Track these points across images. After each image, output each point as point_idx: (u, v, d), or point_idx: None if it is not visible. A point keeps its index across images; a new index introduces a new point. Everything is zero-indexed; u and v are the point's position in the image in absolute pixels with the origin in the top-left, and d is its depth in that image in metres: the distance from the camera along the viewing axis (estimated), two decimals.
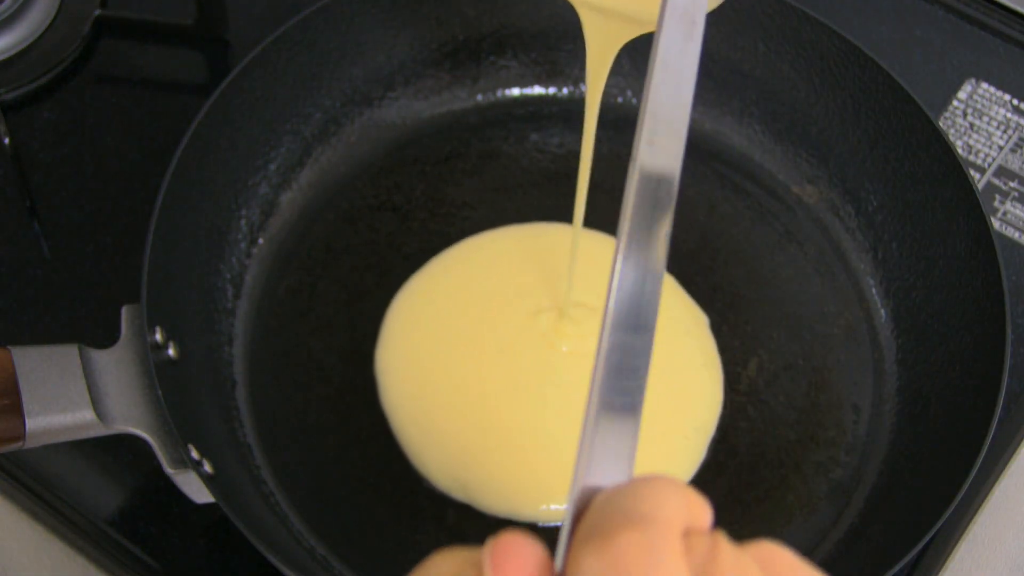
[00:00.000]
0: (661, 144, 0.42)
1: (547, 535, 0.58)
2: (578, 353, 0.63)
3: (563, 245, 0.66)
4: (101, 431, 0.51)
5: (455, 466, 0.60)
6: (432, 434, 0.60)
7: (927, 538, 0.53)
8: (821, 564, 0.58)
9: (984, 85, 0.73)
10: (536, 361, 0.63)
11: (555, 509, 0.59)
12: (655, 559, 0.31)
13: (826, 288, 0.66)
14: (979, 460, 0.54)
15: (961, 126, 0.72)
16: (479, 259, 0.66)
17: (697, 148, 0.69)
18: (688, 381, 0.63)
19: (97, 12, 0.72)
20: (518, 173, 0.69)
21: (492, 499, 0.59)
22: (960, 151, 0.70)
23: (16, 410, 0.49)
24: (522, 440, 0.61)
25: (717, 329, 0.64)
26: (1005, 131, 0.72)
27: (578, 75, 0.71)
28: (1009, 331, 0.57)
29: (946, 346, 0.61)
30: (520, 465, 0.60)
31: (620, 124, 0.69)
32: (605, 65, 0.56)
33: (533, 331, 0.63)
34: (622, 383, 0.38)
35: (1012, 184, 0.70)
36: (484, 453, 0.60)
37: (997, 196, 0.70)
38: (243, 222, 0.64)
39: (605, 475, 0.35)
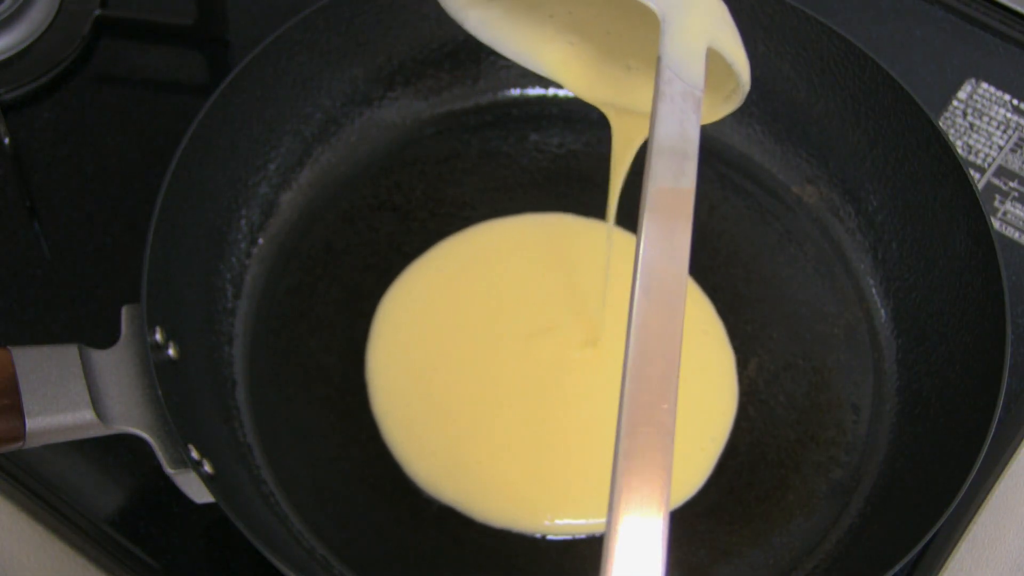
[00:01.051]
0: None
1: (542, 548, 0.58)
2: (589, 354, 0.63)
3: (561, 235, 0.66)
4: (101, 431, 0.51)
5: (446, 477, 0.59)
6: (423, 442, 0.60)
7: (927, 538, 0.53)
8: (821, 564, 0.58)
9: (984, 85, 0.73)
10: (542, 361, 0.62)
11: (559, 524, 0.59)
12: None
13: (826, 288, 0.66)
14: (979, 460, 0.54)
15: (961, 126, 0.72)
16: (474, 252, 0.66)
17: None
18: (708, 390, 0.63)
19: (97, 12, 0.72)
20: (518, 173, 0.69)
21: (488, 513, 0.59)
22: (960, 151, 0.69)
23: (16, 410, 0.49)
24: (521, 450, 0.60)
25: None
26: (1005, 131, 0.72)
27: None
28: (1009, 331, 0.57)
29: (946, 346, 0.61)
30: (517, 477, 0.59)
31: None
32: (630, 151, 0.57)
33: (536, 330, 0.63)
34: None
35: (1012, 184, 0.70)
36: (477, 464, 0.60)
37: (997, 196, 0.70)
38: (243, 222, 0.64)
39: None
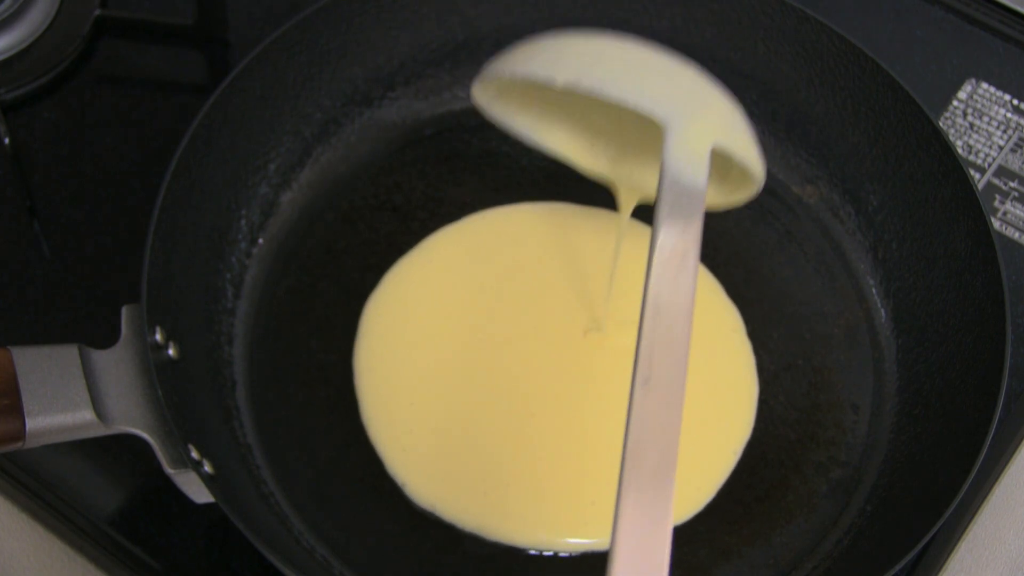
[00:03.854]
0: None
1: (544, 561, 0.58)
2: (593, 353, 0.62)
3: (556, 224, 0.66)
4: (101, 431, 0.51)
5: (442, 493, 0.58)
6: (416, 450, 0.59)
7: (927, 538, 0.53)
8: (821, 564, 0.58)
9: (984, 85, 0.73)
10: (541, 362, 0.62)
11: (558, 542, 0.58)
12: None
13: (826, 288, 0.66)
14: (979, 460, 0.54)
15: (961, 126, 0.72)
16: (462, 246, 0.66)
17: None
18: (733, 401, 0.62)
19: (97, 12, 0.72)
20: (518, 173, 0.68)
21: (488, 531, 0.58)
22: (960, 151, 0.70)
23: (16, 410, 0.49)
24: (522, 462, 0.59)
25: None
26: (1005, 131, 0.72)
27: None
28: (1009, 331, 0.57)
29: (946, 346, 0.61)
30: (515, 493, 0.59)
31: None
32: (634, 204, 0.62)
33: (532, 327, 0.63)
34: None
35: (1012, 184, 0.70)
36: (473, 478, 0.59)
37: (997, 196, 0.70)
38: (243, 222, 0.64)
39: None
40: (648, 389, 0.43)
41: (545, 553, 0.58)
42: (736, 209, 0.68)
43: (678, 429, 0.43)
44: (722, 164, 0.55)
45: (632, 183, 0.60)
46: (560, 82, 0.51)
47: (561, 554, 0.58)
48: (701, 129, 0.50)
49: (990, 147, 0.72)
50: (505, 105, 0.58)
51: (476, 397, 0.61)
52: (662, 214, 0.48)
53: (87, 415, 0.51)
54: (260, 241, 0.65)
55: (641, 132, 0.58)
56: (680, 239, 0.47)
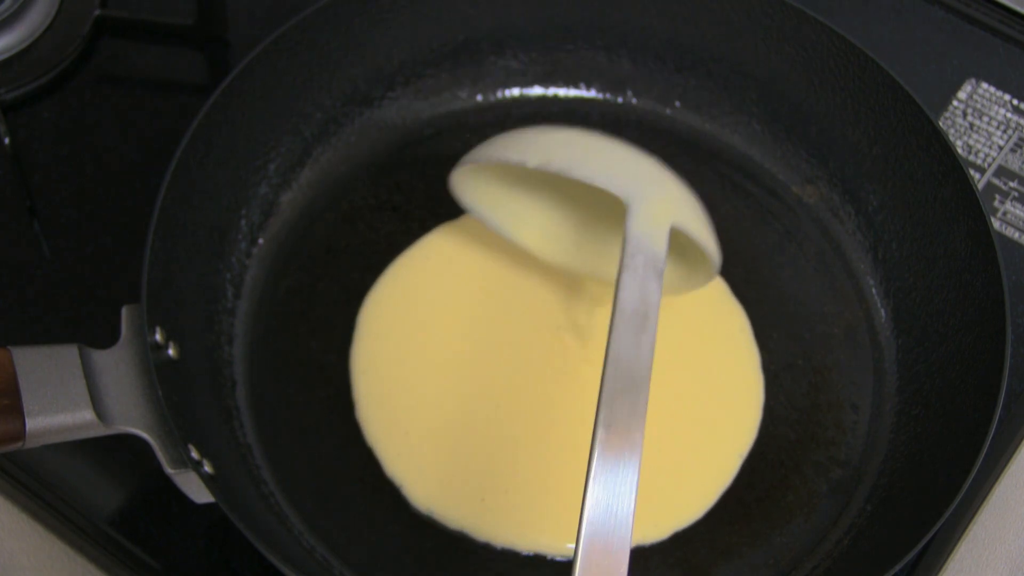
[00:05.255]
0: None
1: (542, 565, 0.58)
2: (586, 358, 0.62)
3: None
4: (101, 431, 0.51)
5: (441, 498, 0.58)
6: (413, 453, 0.59)
7: (927, 538, 0.53)
8: (821, 564, 0.58)
9: (984, 85, 0.73)
10: (541, 364, 0.62)
11: (557, 545, 0.58)
12: None
13: (826, 288, 0.66)
14: (979, 460, 0.54)
15: (961, 126, 0.72)
16: (467, 246, 0.65)
17: (697, 148, 0.69)
18: (740, 403, 0.62)
19: (97, 12, 0.72)
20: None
21: (489, 536, 0.58)
22: (960, 151, 0.70)
23: (16, 410, 0.49)
24: (519, 465, 0.59)
25: None
26: (1005, 131, 0.72)
27: (578, 75, 0.70)
28: (1009, 331, 0.57)
29: (946, 346, 0.61)
30: (513, 493, 0.59)
31: (620, 124, 0.69)
32: None
33: (536, 329, 0.63)
34: None
35: (1012, 184, 0.70)
36: (469, 478, 0.59)
37: (997, 196, 0.70)
38: (243, 222, 0.64)
39: None
40: (609, 433, 0.47)
41: (543, 556, 0.58)
42: (736, 209, 0.68)
43: (636, 477, 0.46)
44: (679, 250, 0.58)
45: (590, 272, 0.63)
46: (531, 165, 0.56)
47: (558, 558, 0.58)
48: (661, 206, 0.55)
49: (990, 147, 0.72)
50: (479, 197, 0.62)
51: (473, 400, 0.61)
52: (625, 277, 0.51)
53: (87, 415, 0.51)
54: (260, 241, 0.65)
55: (601, 224, 0.61)
56: (641, 302, 0.50)
